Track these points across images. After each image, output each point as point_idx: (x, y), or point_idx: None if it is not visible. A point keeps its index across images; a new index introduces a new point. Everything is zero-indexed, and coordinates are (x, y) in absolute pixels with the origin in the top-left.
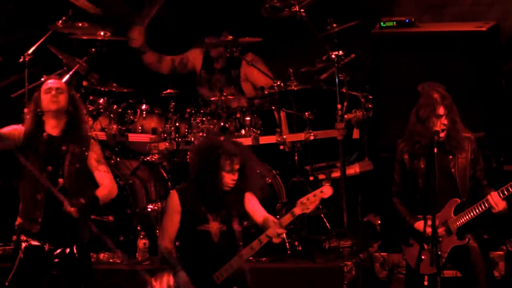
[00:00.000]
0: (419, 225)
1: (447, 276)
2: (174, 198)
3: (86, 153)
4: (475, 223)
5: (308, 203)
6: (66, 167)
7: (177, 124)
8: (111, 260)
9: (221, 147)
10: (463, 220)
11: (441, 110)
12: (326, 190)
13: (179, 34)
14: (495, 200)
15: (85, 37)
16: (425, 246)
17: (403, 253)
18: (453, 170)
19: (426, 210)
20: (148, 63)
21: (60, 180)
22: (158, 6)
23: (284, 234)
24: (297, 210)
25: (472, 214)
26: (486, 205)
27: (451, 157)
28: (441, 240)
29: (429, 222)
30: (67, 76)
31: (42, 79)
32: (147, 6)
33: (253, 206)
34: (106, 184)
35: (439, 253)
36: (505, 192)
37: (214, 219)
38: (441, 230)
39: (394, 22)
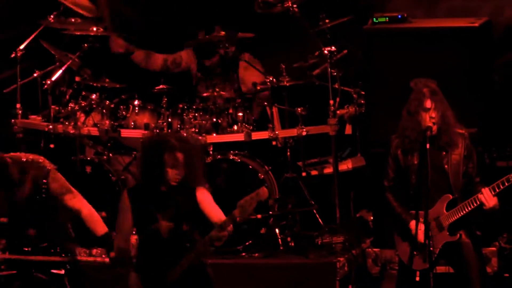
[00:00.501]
0: (412, 225)
1: (439, 272)
2: (124, 197)
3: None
4: (467, 219)
5: (246, 205)
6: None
7: (169, 119)
8: (104, 256)
9: (164, 142)
10: (455, 216)
11: (428, 103)
12: (262, 193)
13: (170, 31)
14: (486, 197)
15: (78, 33)
16: (415, 252)
17: (395, 248)
18: (446, 166)
19: (419, 206)
20: (138, 62)
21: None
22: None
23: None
24: (236, 213)
25: (464, 210)
26: (477, 201)
27: (444, 153)
28: (432, 236)
29: (421, 226)
30: (59, 72)
31: (35, 75)
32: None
33: (207, 205)
34: (84, 211)
35: (431, 249)
36: (496, 189)
37: (163, 217)
38: (434, 224)
39: (387, 18)
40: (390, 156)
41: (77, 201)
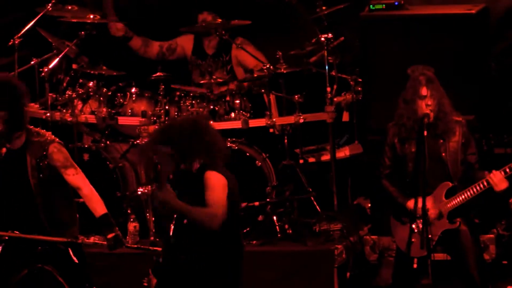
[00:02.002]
0: (411, 203)
1: (437, 259)
2: None
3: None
4: (466, 207)
5: None
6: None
7: (166, 107)
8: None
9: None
10: (455, 202)
11: (423, 91)
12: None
13: (167, 17)
14: (496, 180)
15: (75, 20)
16: (415, 229)
17: (392, 235)
18: (443, 154)
19: (416, 193)
20: (135, 49)
21: None
22: None
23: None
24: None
25: (466, 195)
26: (485, 184)
27: (441, 141)
28: (431, 222)
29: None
30: (56, 59)
31: (32, 63)
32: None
33: None
34: (84, 190)
35: (430, 236)
36: (507, 171)
37: None
38: (434, 212)
39: (384, 5)
40: (386, 145)
41: (79, 178)
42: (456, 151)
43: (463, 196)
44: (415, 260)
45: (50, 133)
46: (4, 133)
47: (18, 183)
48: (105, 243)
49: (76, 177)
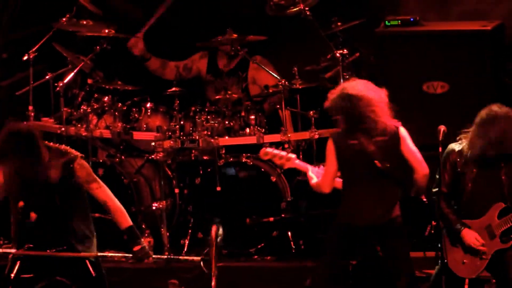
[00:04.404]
0: (467, 234)
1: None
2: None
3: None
4: None
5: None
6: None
7: (182, 122)
8: (115, 259)
9: None
10: (508, 224)
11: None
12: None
13: (183, 36)
14: None
15: (89, 34)
16: (469, 249)
17: (445, 255)
18: (503, 177)
19: (470, 214)
20: (153, 70)
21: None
22: (157, 15)
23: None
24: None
25: None
26: None
27: (502, 164)
28: (483, 251)
29: (476, 236)
30: (71, 74)
31: (47, 77)
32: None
33: None
34: (109, 203)
35: (482, 256)
36: None
37: None
38: (480, 237)
39: (399, 21)
40: (448, 161)
41: (103, 192)
42: None
43: None
44: (467, 281)
45: (69, 148)
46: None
47: (43, 202)
48: (131, 255)
49: (100, 191)
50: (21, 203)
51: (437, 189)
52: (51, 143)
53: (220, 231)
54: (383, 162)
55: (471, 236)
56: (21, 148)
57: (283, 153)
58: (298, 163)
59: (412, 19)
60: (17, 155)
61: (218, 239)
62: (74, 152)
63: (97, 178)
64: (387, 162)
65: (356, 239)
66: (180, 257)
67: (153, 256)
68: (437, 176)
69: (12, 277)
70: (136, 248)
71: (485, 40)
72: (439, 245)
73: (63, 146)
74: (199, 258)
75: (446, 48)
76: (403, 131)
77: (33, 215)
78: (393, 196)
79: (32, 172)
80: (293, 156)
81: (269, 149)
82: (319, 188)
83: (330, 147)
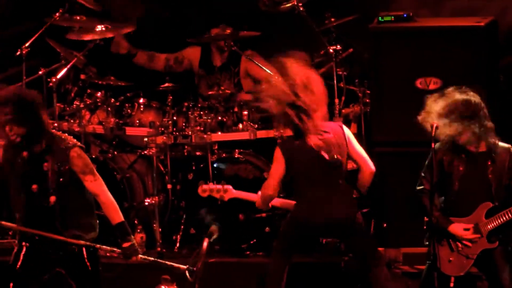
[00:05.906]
0: (454, 228)
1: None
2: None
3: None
4: (506, 227)
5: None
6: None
7: (174, 118)
8: (108, 254)
9: None
10: (495, 223)
11: None
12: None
13: (175, 30)
14: None
15: (84, 38)
16: (454, 248)
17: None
18: (490, 176)
19: (457, 213)
20: (141, 64)
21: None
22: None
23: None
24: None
25: (507, 217)
26: None
27: (489, 162)
28: (470, 246)
29: (464, 226)
30: (64, 70)
31: (40, 72)
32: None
33: None
34: (102, 197)
35: (469, 255)
36: None
37: None
38: (472, 234)
39: (392, 17)
40: (434, 159)
41: (97, 185)
42: (501, 174)
43: (503, 218)
44: (452, 278)
45: (71, 137)
46: (21, 144)
47: (37, 187)
48: (120, 251)
49: (94, 184)
50: (34, 186)
51: (421, 187)
52: (53, 130)
53: (216, 235)
54: (330, 154)
55: (459, 228)
56: (26, 113)
57: (219, 186)
58: (236, 193)
59: (405, 15)
60: (21, 120)
61: (209, 250)
62: (73, 140)
63: (94, 170)
64: (335, 154)
65: (313, 236)
66: (167, 262)
67: (141, 256)
68: (422, 174)
69: (17, 268)
70: (125, 245)
71: (479, 36)
72: (426, 243)
73: (65, 135)
74: (184, 267)
75: (440, 44)
76: (347, 129)
77: (52, 198)
78: (347, 191)
79: (35, 139)
80: (230, 187)
81: (205, 186)
82: (264, 192)
83: (278, 152)
